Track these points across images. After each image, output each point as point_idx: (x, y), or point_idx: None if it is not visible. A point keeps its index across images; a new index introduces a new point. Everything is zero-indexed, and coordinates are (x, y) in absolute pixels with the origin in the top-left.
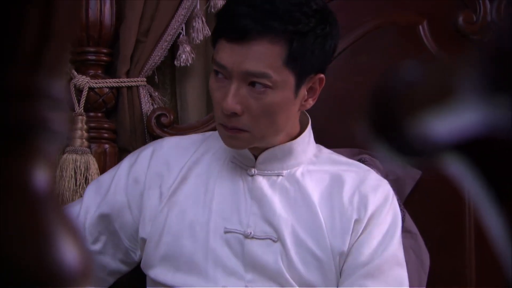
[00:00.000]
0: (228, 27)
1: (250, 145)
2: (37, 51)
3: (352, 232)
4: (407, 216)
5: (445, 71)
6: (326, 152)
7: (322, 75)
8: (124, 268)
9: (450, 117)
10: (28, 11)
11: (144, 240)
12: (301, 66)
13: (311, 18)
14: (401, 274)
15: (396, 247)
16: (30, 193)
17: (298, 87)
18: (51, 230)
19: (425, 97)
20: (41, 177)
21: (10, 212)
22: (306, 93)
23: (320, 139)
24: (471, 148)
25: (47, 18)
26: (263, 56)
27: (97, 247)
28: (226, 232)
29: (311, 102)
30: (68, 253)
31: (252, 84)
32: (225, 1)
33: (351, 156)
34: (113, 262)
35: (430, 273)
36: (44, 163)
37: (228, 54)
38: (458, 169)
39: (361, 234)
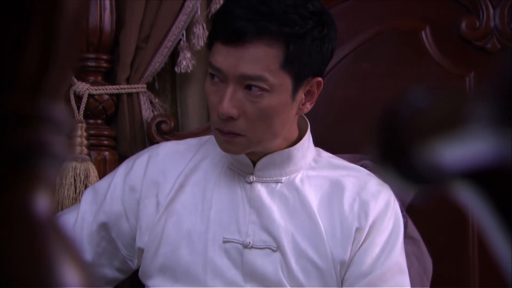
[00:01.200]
0: (224, 29)
1: (247, 150)
2: (38, 75)
3: (353, 241)
4: (410, 222)
5: (455, 99)
6: (325, 156)
7: (320, 79)
8: (121, 276)
9: (458, 146)
10: (29, 35)
11: (141, 250)
12: (298, 69)
13: (307, 20)
14: (404, 281)
15: (398, 254)
16: (30, 218)
17: (295, 90)
18: (52, 255)
19: (434, 124)
20: (41, 201)
21: (11, 237)
22: (303, 96)
23: (321, 145)
24: (479, 176)
25: (48, 43)
26: (259, 58)
27: (94, 256)
28: (225, 242)
29: (308, 106)
30: (70, 277)
31: (249, 87)
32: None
33: (352, 162)
34: (110, 271)
35: (433, 280)
36: (44, 188)
37: (224, 57)
38: (465, 196)
39: (362, 243)
